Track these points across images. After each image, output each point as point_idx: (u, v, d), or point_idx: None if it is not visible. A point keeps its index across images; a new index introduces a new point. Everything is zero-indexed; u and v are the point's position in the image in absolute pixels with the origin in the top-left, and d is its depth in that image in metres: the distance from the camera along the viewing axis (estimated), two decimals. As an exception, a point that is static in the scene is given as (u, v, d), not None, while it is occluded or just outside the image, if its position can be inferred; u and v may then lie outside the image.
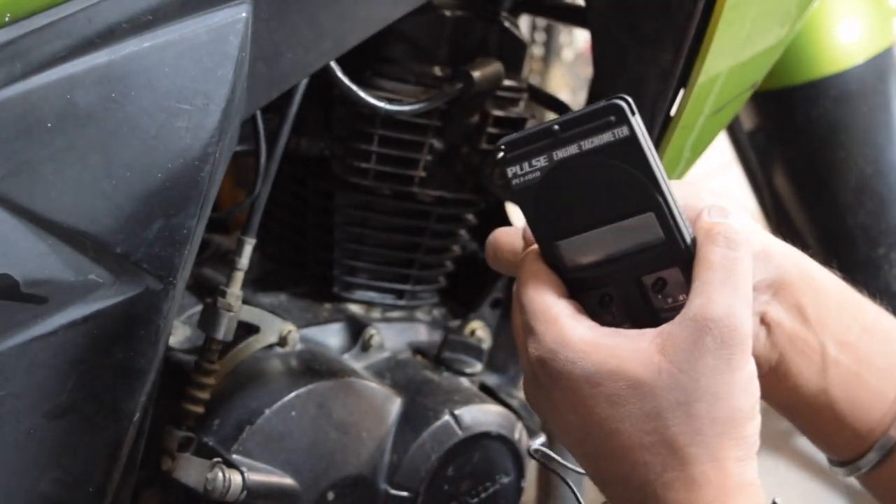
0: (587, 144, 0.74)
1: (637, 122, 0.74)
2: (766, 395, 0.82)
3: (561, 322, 0.74)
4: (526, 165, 0.76)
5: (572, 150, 0.75)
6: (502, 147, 0.77)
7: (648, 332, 0.73)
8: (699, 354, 0.70)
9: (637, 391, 0.70)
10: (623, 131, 0.73)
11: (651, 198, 0.74)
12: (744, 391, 0.71)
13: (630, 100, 0.73)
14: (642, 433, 0.70)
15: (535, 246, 0.78)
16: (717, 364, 0.70)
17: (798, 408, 0.87)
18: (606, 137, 0.74)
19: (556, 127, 0.75)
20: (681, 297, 0.75)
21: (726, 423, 0.71)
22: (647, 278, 0.76)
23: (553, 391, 0.74)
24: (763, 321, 0.83)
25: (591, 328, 0.74)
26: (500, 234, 0.84)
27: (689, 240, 0.75)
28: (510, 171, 0.77)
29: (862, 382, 0.84)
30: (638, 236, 0.75)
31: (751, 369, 0.72)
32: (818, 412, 0.86)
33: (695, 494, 0.70)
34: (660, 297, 0.76)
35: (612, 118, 0.73)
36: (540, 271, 0.76)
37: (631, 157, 0.74)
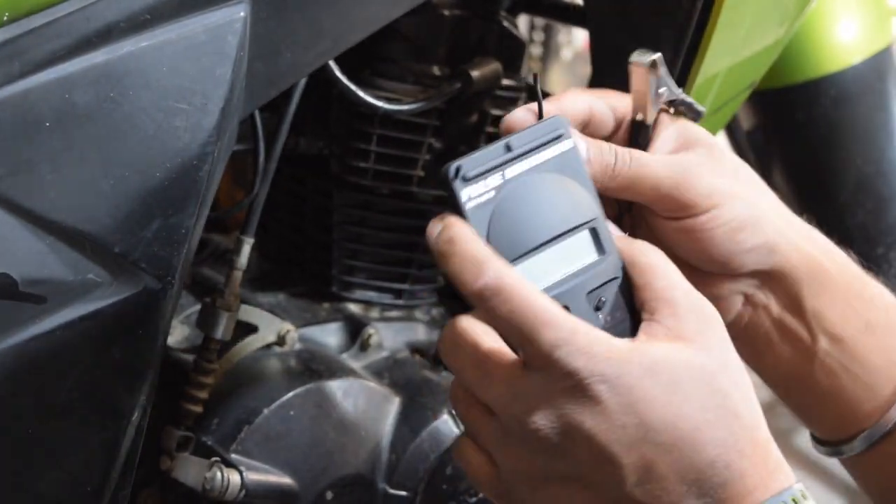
0: (537, 160, 0.75)
1: (576, 134, 0.78)
2: (746, 360, 0.83)
3: (589, 331, 0.70)
4: (480, 186, 0.74)
5: (524, 166, 0.75)
6: (450, 171, 0.74)
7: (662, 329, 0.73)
8: (710, 332, 0.72)
9: (692, 372, 0.70)
10: (568, 144, 0.76)
11: (592, 208, 0.77)
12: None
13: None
14: (706, 410, 0.70)
15: (498, 271, 0.71)
16: (721, 337, 0.74)
17: (780, 383, 0.89)
18: (554, 151, 0.75)
19: (507, 143, 0.75)
20: (619, 315, 0.76)
21: (752, 390, 0.74)
22: (593, 297, 0.76)
23: (595, 409, 0.69)
24: (747, 301, 0.85)
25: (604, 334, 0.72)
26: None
27: (615, 256, 0.77)
28: (464, 195, 0.74)
29: (852, 377, 0.85)
30: (583, 255, 0.76)
31: None
32: (801, 393, 0.88)
33: (764, 460, 0.73)
34: (608, 317, 0.76)
35: (557, 132, 0.76)
36: (522, 285, 0.70)
37: (574, 169, 0.76)
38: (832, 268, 0.84)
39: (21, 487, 0.85)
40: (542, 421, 0.69)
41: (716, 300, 0.82)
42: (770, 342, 0.86)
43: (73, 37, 0.76)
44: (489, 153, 0.74)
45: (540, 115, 0.80)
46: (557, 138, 0.76)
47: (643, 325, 0.73)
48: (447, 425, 1.13)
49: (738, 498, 0.70)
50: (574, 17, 1.35)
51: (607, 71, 1.18)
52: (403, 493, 1.12)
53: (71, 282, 0.80)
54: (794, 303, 0.84)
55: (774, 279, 0.84)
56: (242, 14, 0.81)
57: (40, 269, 0.78)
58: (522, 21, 2.45)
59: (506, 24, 1.20)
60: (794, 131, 1.73)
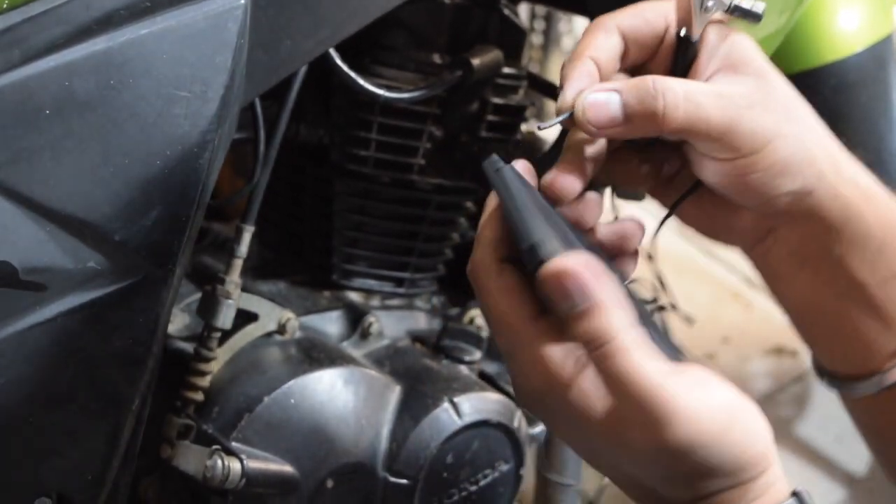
0: None
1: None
2: (765, 281, 0.83)
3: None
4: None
5: None
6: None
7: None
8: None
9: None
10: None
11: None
12: None
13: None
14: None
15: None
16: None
17: (793, 310, 0.86)
18: None
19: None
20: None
21: None
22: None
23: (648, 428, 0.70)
24: (772, 233, 0.83)
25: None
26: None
27: None
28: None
29: (868, 321, 0.83)
30: None
31: None
32: (814, 325, 0.86)
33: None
34: None
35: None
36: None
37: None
38: (870, 216, 0.81)
39: (22, 475, 0.85)
40: (607, 443, 0.72)
41: (739, 229, 0.82)
42: (787, 273, 0.84)
43: (72, 24, 0.75)
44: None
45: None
46: None
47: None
48: (448, 414, 1.14)
49: None
50: (575, 5, 1.35)
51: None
52: (404, 481, 1.13)
53: (71, 270, 0.80)
54: (820, 245, 0.82)
55: (805, 220, 0.81)
56: (243, 2, 0.81)
57: (40, 257, 0.78)
58: (523, 9, 2.45)
59: (507, 12, 1.20)
60: (794, 120, 1.73)
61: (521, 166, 0.77)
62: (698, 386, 0.69)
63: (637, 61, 0.81)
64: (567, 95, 0.78)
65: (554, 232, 0.72)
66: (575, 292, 0.69)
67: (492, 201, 0.77)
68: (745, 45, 0.79)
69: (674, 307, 0.85)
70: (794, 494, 0.72)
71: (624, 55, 0.80)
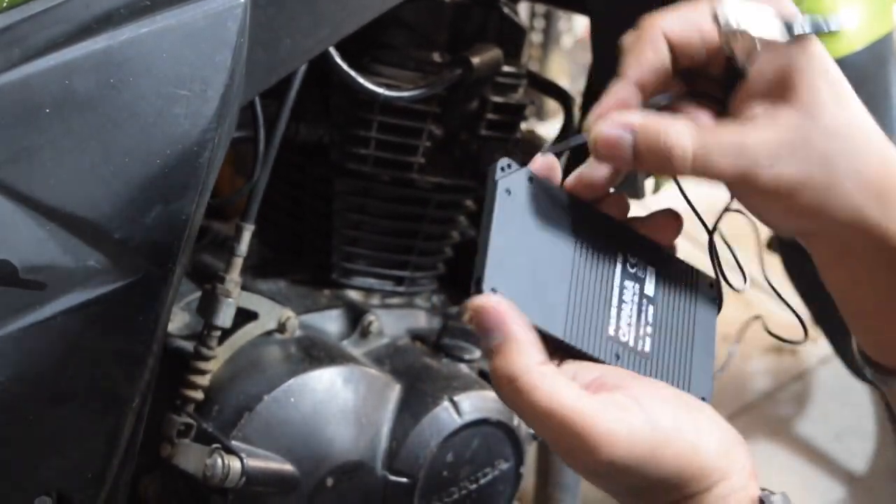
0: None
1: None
2: (825, 276, 0.81)
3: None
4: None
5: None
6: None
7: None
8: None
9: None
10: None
11: None
12: None
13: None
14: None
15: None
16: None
17: (837, 296, 0.83)
18: None
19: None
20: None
21: None
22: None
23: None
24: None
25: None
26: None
27: None
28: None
29: None
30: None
31: None
32: (859, 315, 0.83)
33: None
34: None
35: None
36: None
37: None
38: None
39: (22, 474, 0.85)
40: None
41: (774, 226, 0.80)
42: (830, 264, 0.80)
43: (72, 23, 0.75)
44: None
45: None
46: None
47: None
48: (447, 412, 1.14)
49: None
50: (574, 3, 1.35)
51: (608, 58, 1.18)
52: (404, 479, 1.13)
53: (71, 268, 0.80)
54: (857, 257, 0.78)
55: (840, 243, 0.78)
56: (242, 0, 0.81)
57: (40, 256, 0.78)
58: (523, 8, 2.45)
59: (506, 10, 1.20)
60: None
61: (540, 165, 0.76)
62: (618, 409, 0.69)
63: (691, 67, 0.78)
64: (590, 118, 0.76)
65: (516, 260, 0.72)
66: (491, 328, 0.69)
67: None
68: (801, 68, 0.74)
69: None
70: (761, 502, 0.73)
71: (675, 61, 0.77)
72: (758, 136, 0.74)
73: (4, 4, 0.74)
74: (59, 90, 0.75)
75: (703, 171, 0.74)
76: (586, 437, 0.68)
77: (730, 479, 0.72)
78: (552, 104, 2.70)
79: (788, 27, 0.73)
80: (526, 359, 0.69)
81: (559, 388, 0.68)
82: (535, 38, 2.86)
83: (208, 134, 0.82)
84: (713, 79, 0.78)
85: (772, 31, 0.72)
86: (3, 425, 0.82)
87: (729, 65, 0.75)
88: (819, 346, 2.51)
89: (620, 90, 0.76)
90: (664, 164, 0.74)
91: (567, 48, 3.15)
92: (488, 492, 1.19)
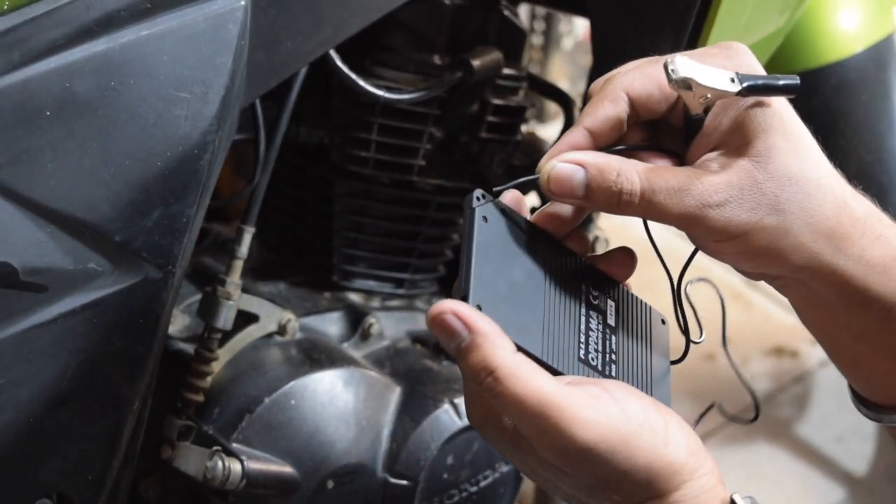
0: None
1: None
2: (804, 320, 0.83)
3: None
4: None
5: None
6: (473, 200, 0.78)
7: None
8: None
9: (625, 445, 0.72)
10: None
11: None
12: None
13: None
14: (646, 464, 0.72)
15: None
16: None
17: (819, 339, 0.86)
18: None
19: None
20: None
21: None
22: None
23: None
24: (802, 283, 0.81)
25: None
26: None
27: None
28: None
29: (892, 362, 0.82)
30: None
31: None
32: (841, 357, 0.86)
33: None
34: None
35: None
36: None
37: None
38: (878, 288, 0.79)
39: (23, 476, 0.85)
40: (538, 461, 0.74)
41: (749, 273, 0.82)
42: (805, 310, 0.83)
43: (73, 25, 0.75)
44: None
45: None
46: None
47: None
48: (448, 414, 1.14)
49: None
50: (575, 6, 1.35)
51: (608, 61, 1.18)
52: (404, 481, 1.13)
53: (72, 271, 0.80)
54: (827, 302, 0.81)
55: (802, 285, 0.80)
56: (243, 3, 0.81)
57: (41, 258, 0.78)
58: (523, 10, 2.45)
59: (507, 13, 1.20)
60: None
61: (510, 198, 0.79)
62: (592, 398, 0.71)
63: (649, 119, 0.80)
64: (543, 159, 0.78)
65: (496, 281, 0.74)
66: (457, 328, 0.72)
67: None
68: (757, 122, 0.77)
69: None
70: (732, 502, 0.74)
71: (636, 113, 0.80)
72: (707, 180, 0.76)
73: (5, 7, 0.74)
74: (59, 92, 0.75)
75: (650, 210, 0.76)
76: (561, 419, 0.70)
77: (699, 478, 0.73)
78: (553, 106, 2.70)
79: (740, 80, 0.75)
80: (501, 350, 0.71)
81: (537, 375, 0.71)
82: (536, 40, 2.87)
83: (209, 136, 0.82)
84: (675, 132, 0.80)
85: (721, 83, 0.75)
86: (4, 427, 0.82)
87: (686, 117, 0.78)
88: (819, 349, 2.51)
89: (573, 135, 0.79)
90: (613, 202, 0.77)
91: (567, 50, 3.15)
92: (488, 494, 1.19)
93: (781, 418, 2.41)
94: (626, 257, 0.83)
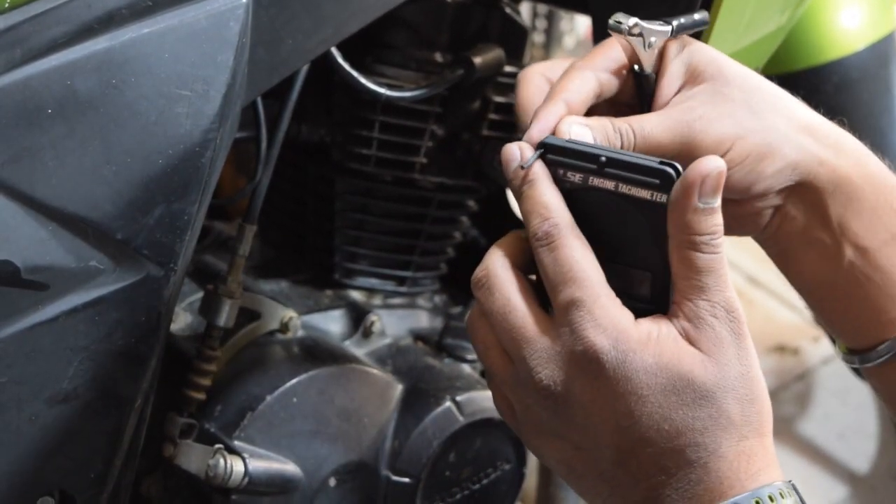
0: (623, 189, 0.76)
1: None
2: (777, 265, 0.89)
3: (611, 306, 0.74)
4: (559, 173, 0.77)
5: (608, 185, 0.76)
6: (544, 145, 0.78)
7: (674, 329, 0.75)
8: (727, 346, 0.74)
9: (691, 385, 0.72)
10: (661, 198, 0.75)
11: (656, 263, 0.77)
12: (759, 370, 0.75)
13: (680, 169, 0.75)
14: (695, 419, 0.73)
15: (561, 221, 0.76)
16: (739, 352, 0.74)
17: (807, 290, 0.90)
18: (643, 194, 0.76)
19: (604, 159, 0.76)
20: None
21: (763, 401, 0.75)
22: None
23: (593, 382, 0.73)
24: (777, 212, 0.86)
25: (628, 316, 0.75)
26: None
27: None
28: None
29: (875, 287, 0.86)
30: (628, 284, 0.78)
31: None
32: (827, 300, 0.89)
33: (746, 464, 0.73)
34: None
35: (658, 181, 0.75)
36: (575, 243, 0.75)
37: (655, 222, 0.76)
38: (858, 178, 0.85)
39: (24, 474, 0.85)
40: (549, 378, 0.74)
41: (745, 216, 0.86)
42: (798, 250, 0.88)
43: (74, 24, 0.76)
44: (584, 154, 0.77)
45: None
46: (657, 186, 0.76)
47: (664, 322, 0.74)
48: (450, 412, 1.14)
49: (710, 493, 0.73)
50: (577, 4, 1.35)
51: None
52: (406, 479, 1.13)
53: (73, 269, 0.80)
54: (819, 213, 0.86)
55: (800, 192, 0.85)
56: (244, 1, 0.81)
57: (42, 256, 0.78)
58: (525, 8, 2.45)
59: (508, 10, 1.20)
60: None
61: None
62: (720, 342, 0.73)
63: (610, 95, 0.86)
64: (533, 132, 0.80)
65: None
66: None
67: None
68: (700, 55, 0.85)
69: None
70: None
71: (597, 98, 0.85)
72: (680, 105, 0.83)
73: (6, 5, 0.74)
74: (60, 90, 0.75)
75: (650, 149, 0.81)
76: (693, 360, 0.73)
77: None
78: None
79: (668, 23, 0.85)
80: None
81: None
82: (538, 38, 2.86)
83: (210, 134, 0.82)
84: (625, 111, 0.86)
85: (658, 26, 0.84)
86: (5, 426, 0.82)
87: (637, 78, 0.86)
88: (821, 346, 2.51)
89: (554, 107, 0.83)
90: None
91: (569, 48, 3.15)
92: (491, 492, 1.19)
93: (783, 416, 2.41)
94: None
